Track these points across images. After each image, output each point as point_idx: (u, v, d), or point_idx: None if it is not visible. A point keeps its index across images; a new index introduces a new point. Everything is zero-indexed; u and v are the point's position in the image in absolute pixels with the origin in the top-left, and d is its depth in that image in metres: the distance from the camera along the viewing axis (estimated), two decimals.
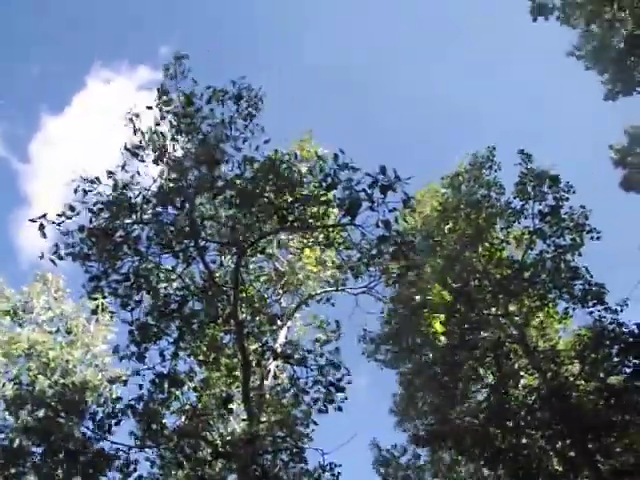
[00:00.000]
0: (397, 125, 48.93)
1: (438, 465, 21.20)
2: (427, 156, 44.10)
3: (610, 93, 21.26)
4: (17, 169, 56.16)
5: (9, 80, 49.69)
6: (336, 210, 13.26)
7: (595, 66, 21.15)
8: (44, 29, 50.37)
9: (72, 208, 12.64)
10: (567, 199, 16.66)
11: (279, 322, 15.19)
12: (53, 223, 12.37)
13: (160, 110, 13.70)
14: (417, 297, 16.50)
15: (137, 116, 13.49)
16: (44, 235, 12.13)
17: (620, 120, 23.00)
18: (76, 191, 12.84)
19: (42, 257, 12.36)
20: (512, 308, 16.17)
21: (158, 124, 13.58)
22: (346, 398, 15.35)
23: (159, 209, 13.10)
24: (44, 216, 12.11)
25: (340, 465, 15.78)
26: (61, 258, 12.45)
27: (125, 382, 13.91)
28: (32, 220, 12.14)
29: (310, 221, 13.22)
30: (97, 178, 13.00)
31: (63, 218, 12.41)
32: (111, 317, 13.46)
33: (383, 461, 23.80)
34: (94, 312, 13.54)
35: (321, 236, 14.31)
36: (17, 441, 16.07)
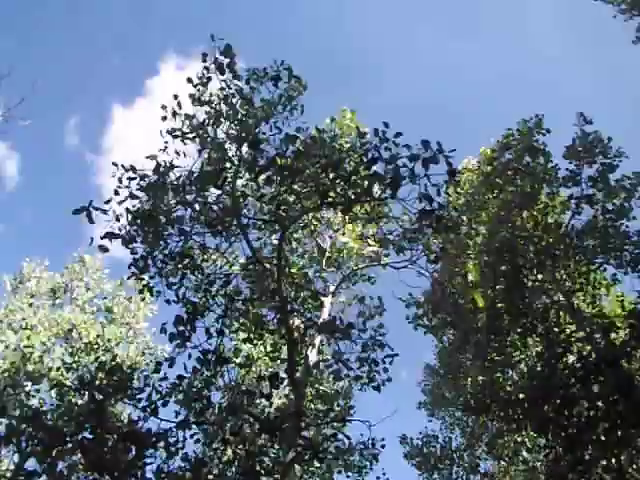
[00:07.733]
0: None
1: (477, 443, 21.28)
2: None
3: None
4: (90, 161, 56.41)
5: (82, 71, 49.89)
6: (377, 185, 13.22)
7: (628, 10, 19.59)
8: (115, 18, 50.16)
9: (116, 192, 12.71)
10: (617, 166, 16.34)
11: (322, 298, 15.25)
12: (97, 209, 12.40)
13: (199, 94, 13.74)
14: (460, 269, 16.35)
15: (176, 98, 13.54)
16: (91, 221, 12.15)
17: None
18: (120, 180, 12.91)
19: (91, 243, 12.47)
20: (559, 274, 15.90)
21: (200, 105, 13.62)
22: (389, 379, 15.48)
23: (201, 189, 13.14)
24: (90, 204, 12.14)
25: (383, 439, 16.16)
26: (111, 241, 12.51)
27: (172, 361, 13.99)
28: (76, 211, 12.14)
29: (351, 196, 13.18)
30: (132, 167, 13.00)
31: (110, 205, 12.47)
32: (157, 296, 13.52)
33: (415, 452, 23.64)
34: (141, 292, 13.65)
35: (362, 211, 14.29)
36: (61, 422, 16.26)
